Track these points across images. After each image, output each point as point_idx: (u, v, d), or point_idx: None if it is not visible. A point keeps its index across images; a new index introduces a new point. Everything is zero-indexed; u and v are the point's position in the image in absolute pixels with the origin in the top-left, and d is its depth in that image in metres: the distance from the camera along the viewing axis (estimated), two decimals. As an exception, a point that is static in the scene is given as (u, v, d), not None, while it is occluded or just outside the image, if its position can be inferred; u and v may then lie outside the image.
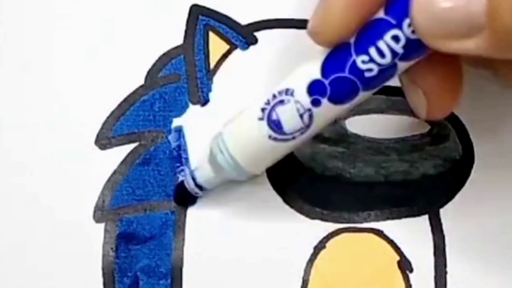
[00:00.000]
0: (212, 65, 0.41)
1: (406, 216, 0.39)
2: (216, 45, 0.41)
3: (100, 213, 0.38)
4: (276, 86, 0.34)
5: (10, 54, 0.41)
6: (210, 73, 0.41)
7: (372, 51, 0.31)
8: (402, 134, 0.40)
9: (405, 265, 0.38)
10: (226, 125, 0.36)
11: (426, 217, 0.39)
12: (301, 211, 0.39)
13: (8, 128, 0.40)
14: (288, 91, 0.33)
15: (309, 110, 0.33)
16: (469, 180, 0.39)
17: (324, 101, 0.33)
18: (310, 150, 0.39)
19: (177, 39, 0.41)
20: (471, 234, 0.38)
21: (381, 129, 0.40)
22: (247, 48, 0.41)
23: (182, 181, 0.38)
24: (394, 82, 0.40)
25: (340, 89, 0.33)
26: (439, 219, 0.39)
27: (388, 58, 0.31)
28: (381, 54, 0.31)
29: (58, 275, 0.38)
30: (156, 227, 0.38)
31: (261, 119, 0.34)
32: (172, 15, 0.42)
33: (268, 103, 0.34)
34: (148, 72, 0.41)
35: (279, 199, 0.39)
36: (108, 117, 0.40)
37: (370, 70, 0.32)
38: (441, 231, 0.38)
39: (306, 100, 0.33)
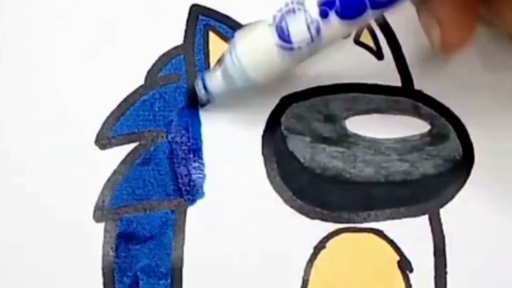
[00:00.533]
0: (212, 65, 0.41)
1: (406, 216, 0.39)
2: (216, 45, 0.41)
3: (100, 213, 0.38)
4: None
5: (10, 54, 0.41)
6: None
7: None
8: (402, 134, 0.40)
9: (405, 265, 0.38)
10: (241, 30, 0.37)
11: (426, 217, 0.39)
12: (301, 211, 0.39)
13: (8, 128, 0.40)
14: (299, 0, 0.34)
15: (317, 21, 0.33)
16: (469, 180, 0.39)
17: (332, 14, 0.33)
18: (310, 150, 0.39)
19: (177, 39, 0.41)
20: (471, 234, 0.38)
21: (381, 129, 0.40)
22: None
23: (193, 84, 0.39)
24: (394, 82, 0.40)
25: (348, 3, 0.33)
26: (439, 219, 0.39)
27: None
28: None
29: (58, 275, 0.38)
30: (156, 227, 0.38)
31: (271, 25, 0.35)
32: (172, 15, 0.42)
33: (280, 10, 0.35)
34: (148, 72, 0.41)
35: (279, 199, 0.39)
36: (108, 117, 0.40)
37: None
38: (441, 231, 0.38)
39: (315, 10, 0.33)
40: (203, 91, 0.38)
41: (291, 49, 0.35)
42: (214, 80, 0.38)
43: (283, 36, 0.34)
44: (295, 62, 0.36)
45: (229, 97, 0.38)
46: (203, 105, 0.39)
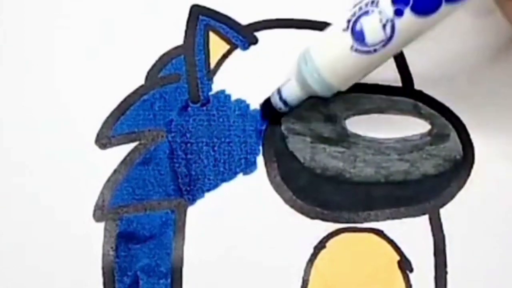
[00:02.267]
0: (212, 65, 0.41)
1: (406, 216, 0.39)
2: (217, 45, 0.41)
3: (100, 213, 0.38)
4: None
5: (10, 54, 0.41)
6: (210, 73, 0.41)
7: None
8: (402, 134, 0.40)
9: (405, 265, 0.38)
10: (314, 39, 0.37)
11: (426, 217, 0.39)
12: (301, 211, 0.39)
13: (8, 128, 0.40)
14: (373, 2, 0.34)
15: (392, 20, 0.33)
16: (469, 180, 0.39)
17: (407, 11, 0.33)
18: (310, 150, 0.39)
19: (178, 39, 0.41)
20: (471, 234, 0.38)
21: (381, 129, 0.40)
22: (247, 48, 0.41)
23: (269, 97, 0.39)
24: (394, 82, 0.40)
25: None
26: (439, 219, 0.39)
27: None
28: None
29: (58, 275, 0.38)
30: (156, 226, 0.38)
31: (345, 30, 0.35)
32: (173, 15, 0.42)
33: (354, 14, 0.34)
34: (148, 72, 0.41)
35: (279, 199, 0.39)
36: (108, 117, 0.40)
37: None
38: (441, 231, 0.38)
39: (389, 9, 0.33)
40: (280, 104, 0.38)
41: (368, 52, 0.35)
42: (292, 92, 0.38)
43: (359, 38, 0.34)
44: (371, 65, 0.36)
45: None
46: (278, 116, 0.40)
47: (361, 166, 0.39)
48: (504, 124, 0.40)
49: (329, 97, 0.38)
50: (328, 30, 0.36)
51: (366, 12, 0.34)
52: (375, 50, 0.34)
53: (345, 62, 0.35)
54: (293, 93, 0.38)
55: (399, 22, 0.33)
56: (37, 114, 0.40)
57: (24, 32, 0.41)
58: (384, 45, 0.34)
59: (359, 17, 0.34)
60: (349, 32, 0.35)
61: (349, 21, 0.35)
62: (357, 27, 0.34)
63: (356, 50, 0.35)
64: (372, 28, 0.34)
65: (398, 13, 0.33)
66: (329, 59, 0.36)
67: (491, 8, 0.39)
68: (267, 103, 0.39)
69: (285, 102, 0.38)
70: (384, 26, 0.34)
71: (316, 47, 0.36)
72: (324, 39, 0.36)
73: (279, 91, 0.38)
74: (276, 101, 0.38)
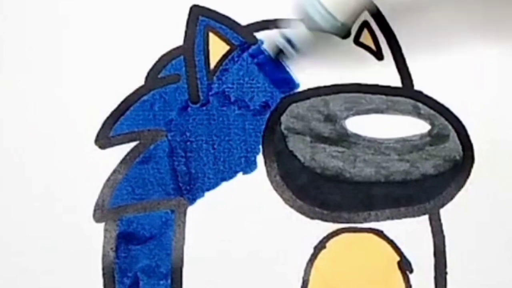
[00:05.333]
0: (212, 66, 0.41)
1: (406, 216, 0.39)
2: (216, 46, 0.41)
3: (100, 212, 0.38)
4: None
5: (11, 54, 0.41)
6: (210, 74, 0.41)
7: None
8: (402, 134, 0.40)
9: (405, 265, 0.38)
10: None
11: (426, 217, 0.39)
12: (300, 211, 0.39)
13: (8, 128, 0.40)
14: None
15: None
16: (469, 180, 0.39)
17: None
18: (310, 149, 0.39)
19: (178, 39, 0.41)
20: (471, 234, 0.38)
21: (381, 129, 0.40)
22: (247, 48, 0.41)
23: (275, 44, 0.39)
24: (394, 82, 0.40)
25: None
26: (439, 219, 0.39)
27: None
28: None
29: (58, 275, 0.38)
30: (156, 227, 0.38)
31: None
32: (172, 16, 0.42)
33: None
34: (148, 73, 0.41)
35: (279, 199, 0.39)
36: (108, 117, 0.40)
37: None
38: (441, 231, 0.39)
39: None
40: (289, 48, 0.39)
41: None
42: (300, 34, 0.38)
43: None
44: None
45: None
46: (286, 60, 0.40)
47: (361, 166, 0.39)
48: (504, 124, 0.40)
49: (337, 33, 0.38)
50: None
51: None
52: None
53: None
54: (301, 35, 0.38)
55: None
56: (37, 114, 0.40)
57: (25, 33, 0.41)
58: None
59: None
60: None
61: None
62: None
63: None
64: None
65: None
66: None
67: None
68: (275, 49, 0.39)
69: (289, 41, 0.38)
70: None
71: None
72: None
73: (286, 36, 0.39)
74: (279, 40, 0.39)
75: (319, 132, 0.39)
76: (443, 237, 0.38)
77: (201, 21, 0.42)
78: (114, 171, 0.39)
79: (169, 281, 0.38)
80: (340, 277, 0.38)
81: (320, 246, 0.38)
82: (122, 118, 0.40)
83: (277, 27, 0.41)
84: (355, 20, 0.37)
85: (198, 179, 0.39)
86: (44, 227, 0.38)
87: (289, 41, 0.38)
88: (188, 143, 0.39)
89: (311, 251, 0.38)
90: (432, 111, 0.40)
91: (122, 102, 0.40)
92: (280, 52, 0.39)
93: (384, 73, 0.40)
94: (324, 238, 0.38)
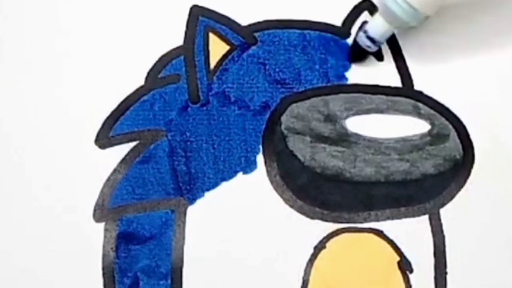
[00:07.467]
0: (212, 66, 0.41)
1: (406, 216, 0.39)
2: (216, 46, 0.41)
3: (100, 212, 0.38)
4: None
5: (11, 54, 0.41)
6: (210, 74, 0.41)
7: None
8: (402, 134, 0.40)
9: (405, 265, 0.38)
10: None
11: (426, 217, 0.39)
12: (301, 211, 0.39)
13: (8, 128, 0.40)
14: None
15: None
16: (469, 180, 0.39)
17: None
18: (310, 149, 0.39)
19: (178, 39, 0.41)
20: (471, 234, 0.38)
21: (381, 129, 0.40)
22: (247, 48, 0.41)
23: (355, 39, 0.40)
24: (394, 82, 0.40)
25: None
26: (439, 219, 0.39)
27: None
28: None
29: (58, 275, 0.38)
30: (156, 226, 0.38)
31: None
32: (172, 16, 0.42)
33: None
34: (148, 73, 0.41)
35: (279, 199, 0.39)
36: (108, 117, 0.40)
37: None
38: (441, 231, 0.39)
39: None
40: (368, 42, 0.39)
41: None
42: (378, 27, 0.39)
43: None
44: None
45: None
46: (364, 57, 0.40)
47: (361, 166, 0.39)
48: (504, 124, 0.40)
49: (415, 25, 0.38)
50: None
51: None
52: None
53: None
54: (379, 28, 0.38)
55: None
56: (37, 114, 0.40)
57: (25, 33, 0.41)
58: None
59: None
60: None
61: None
62: None
63: None
64: None
65: None
66: None
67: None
68: (354, 46, 0.40)
69: (372, 40, 0.39)
70: None
71: None
72: None
73: (365, 31, 0.39)
74: (363, 41, 0.39)
75: (319, 132, 0.39)
76: (443, 237, 0.38)
77: (201, 21, 0.42)
78: (114, 171, 0.39)
79: (169, 281, 0.38)
80: (340, 277, 0.38)
81: (320, 246, 0.38)
82: (122, 118, 0.40)
83: (277, 27, 0.41)
84: (436, 10, 0.38)
85: (198, 179, 0.39)
86: (44, 227, 0.38)
87: (371, 39, 0.38)
88: (188, 143, 0.39)
89: (311, 251, 0.38)
90: (432, 111, 0.40)
91: (122, 102, 0.40)
92: (364, 51, 0.40)
93: (384, 73, 0.40)
94: (324, 238, 0.38)
